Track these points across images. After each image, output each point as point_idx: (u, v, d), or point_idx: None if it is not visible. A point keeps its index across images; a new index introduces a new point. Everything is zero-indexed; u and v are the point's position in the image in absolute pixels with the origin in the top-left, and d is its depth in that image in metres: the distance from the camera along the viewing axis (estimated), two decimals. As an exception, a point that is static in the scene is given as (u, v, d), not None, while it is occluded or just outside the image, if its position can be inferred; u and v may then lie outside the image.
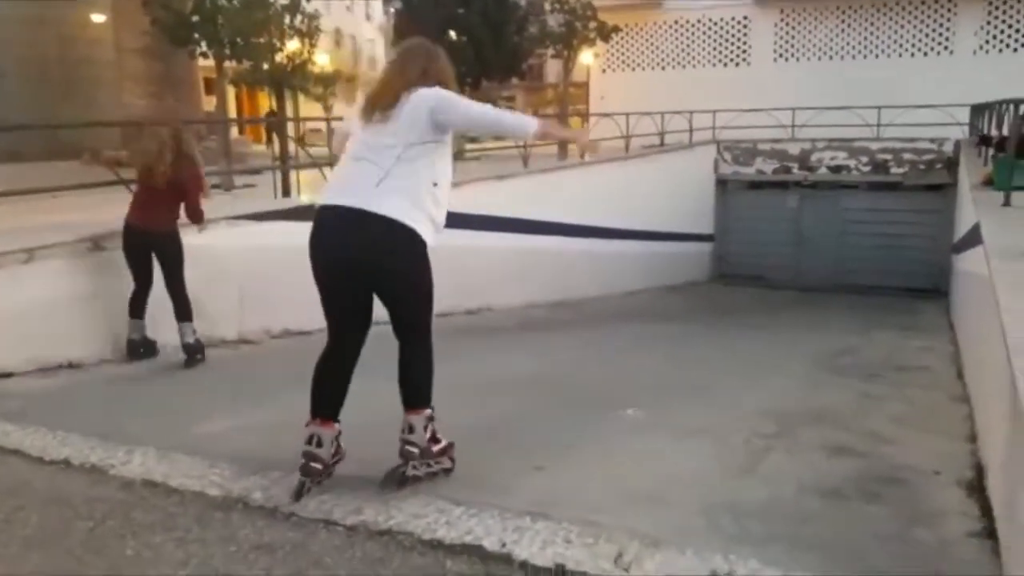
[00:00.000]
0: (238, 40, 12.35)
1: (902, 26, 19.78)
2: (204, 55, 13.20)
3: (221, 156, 12.32)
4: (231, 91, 24.71)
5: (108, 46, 19.19)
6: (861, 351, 8.21)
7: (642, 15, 21.94)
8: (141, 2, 12.96)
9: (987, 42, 19.19)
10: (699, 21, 21.60)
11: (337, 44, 42.58)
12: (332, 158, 6.22)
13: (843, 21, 20.29)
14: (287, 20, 13.10)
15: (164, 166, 5.48)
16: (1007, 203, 6.03)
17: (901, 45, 19.86)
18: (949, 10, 19.41)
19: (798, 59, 20.80)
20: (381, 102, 3.04)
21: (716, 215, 17.59)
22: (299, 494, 3.01)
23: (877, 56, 20.01)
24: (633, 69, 22.53)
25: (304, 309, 7.23)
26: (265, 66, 13.07)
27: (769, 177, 17.15)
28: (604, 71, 22.80)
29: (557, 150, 14.71)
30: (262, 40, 12.78)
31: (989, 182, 7.66)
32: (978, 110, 13.36)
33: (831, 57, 20.43)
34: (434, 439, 3.20)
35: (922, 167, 16.04)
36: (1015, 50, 18.95)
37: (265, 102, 27.71)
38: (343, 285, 3.06)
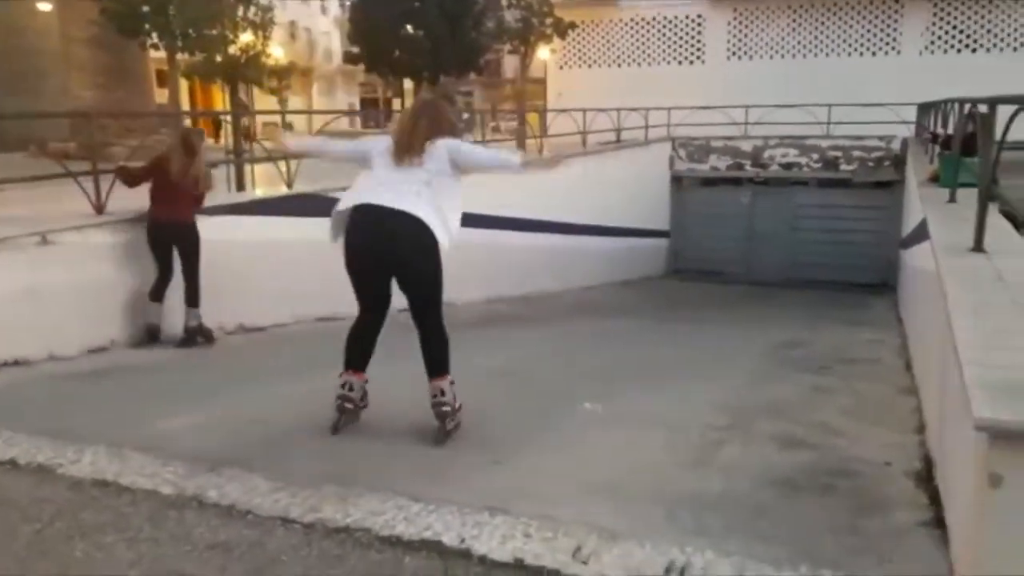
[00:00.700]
0: (190, 31, 12.14)
1: (851, 26, 20.19)
2: (155, 47, 12.94)
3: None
4: (184, 83, 24.25)
5: (55, 36, 18.66)
6: (812, 344, 8.31)
7: (598, 12, 22.04)
8: (90, -10, 12.68)
9: (932, 43, 19.69)
10: (654, 19, 21.77)
11: (292, 37, 42.05)
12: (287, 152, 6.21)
13: (795, 20, 20.64)
14: (240, 12, 12.91)
15: (177, 165, 6.06)
16: (952, 199, 6.15)
17: (851, 44, 20.27)
18: (896, 11, 19.88)
19: (751, 57, 21.09)
20: (410, 153, 3.82)
21: (671, 211, 17.72)
22: (335, 428, 3.85)
23: (828, 55, 20.40)
24: (590, 66, 22.62)
25: (258, 305, 7.25)
26: (218, 58, 12.87)
27: (723, 174, 17.32)
28: (561, 67, 22.86)
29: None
30: (215, 32, 12.58)
31: (935, 179, 7.80)
32: (925, 109, 13.64)
33: (783, 56, 20.77)
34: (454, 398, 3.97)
35: (871, 164, 16.37)
36: (959, 51, 19.47)
37: (219, 95, 27.27)
38: (375, 275, 3.84)
